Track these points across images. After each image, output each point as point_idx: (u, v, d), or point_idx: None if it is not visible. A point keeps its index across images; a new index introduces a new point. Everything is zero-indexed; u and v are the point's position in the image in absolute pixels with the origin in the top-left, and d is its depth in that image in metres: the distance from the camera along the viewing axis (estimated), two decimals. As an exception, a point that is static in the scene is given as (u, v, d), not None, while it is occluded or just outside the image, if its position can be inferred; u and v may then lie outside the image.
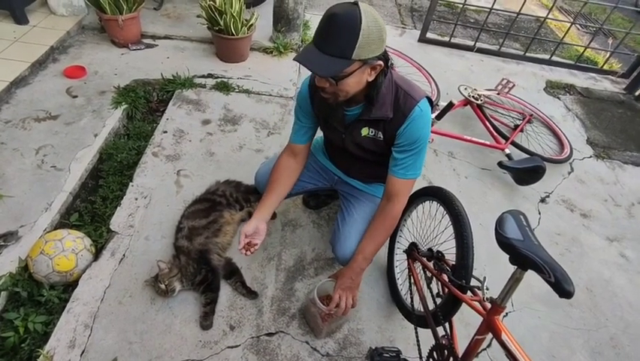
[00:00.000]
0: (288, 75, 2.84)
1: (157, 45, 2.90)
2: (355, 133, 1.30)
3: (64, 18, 2.89)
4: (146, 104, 2.48)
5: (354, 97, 1.16)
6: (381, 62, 1.08)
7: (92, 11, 2.84)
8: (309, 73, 1.22)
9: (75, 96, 2.32)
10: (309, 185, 1.66)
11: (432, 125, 2.27)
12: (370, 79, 1.11)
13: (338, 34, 0.98)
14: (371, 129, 1.26)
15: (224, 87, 2.60)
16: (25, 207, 1.69)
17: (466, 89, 2.68)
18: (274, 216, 1.87)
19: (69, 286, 1.52)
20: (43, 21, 2.83)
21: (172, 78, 2.57)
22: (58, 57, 2.62)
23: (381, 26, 1.01)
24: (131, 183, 1.90)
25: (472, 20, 4.52)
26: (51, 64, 2.55)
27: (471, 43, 3.72)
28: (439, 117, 2.24)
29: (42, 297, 1.44)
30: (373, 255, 1.35)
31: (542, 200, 2.32)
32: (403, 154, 1.23)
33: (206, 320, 1.44)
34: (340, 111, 1.26)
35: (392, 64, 1.17)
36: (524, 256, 0.91)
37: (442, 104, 2.48)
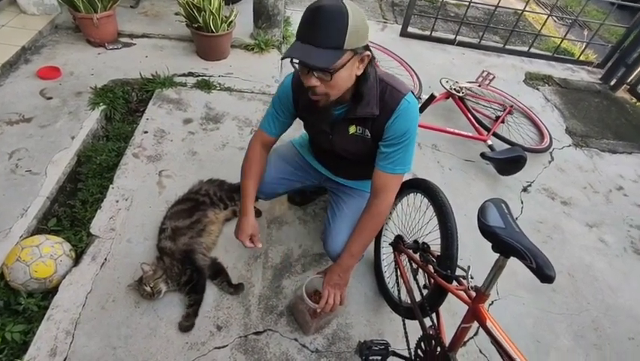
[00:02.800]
0: (270, 72, 2.81)
1: (135, 44, 2.83)
2: (343, 132, 1.28)
3: (36, 17, 2.79)
4: (125, 104, 2.42)
5: (341, 96, 1.14)
6: (368, 53, 1.07)
7: (65, 10, 2.75)
8: (292, 70, 1.19)
9: (50, 98, 2.25)
10: (297, 183, 1.64)
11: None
12: (359, 73, 1.10)
13: (328, 25, 0.96)
14: (359, 127, 1.25)
15: (205, 85, 2.56)
16: (-1, 214, 1.63)
17: (447, 81, 2.71)
18: (259, 213, 1.86)
19: (48, 293, 1.47)
20: (12, 20, 2.72)
21: (151, 77, 2.51)
22: (31, 58, 2.53)
23: (362, 14, 1.02)
24: (111, 186, 1.86)
25: (452, 14, 4.56)
26: (23, 65, 2.46)
27: (452, 36, 3.76)
28: (421, 110, 2.26)
29: (20, 305, 1.39)
30: (361, 253, 1.33)
31: (524, 189, 2.36)
32: (391, 148, 1.21)
33: (187, 321, 1.42)
34: (329, 114, 1.23)
35: (375, 58, 1.16)
36: (506, 244, 0.92)
37: (424, 97, 2.49)
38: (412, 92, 1.21)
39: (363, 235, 1.31)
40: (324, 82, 1.05)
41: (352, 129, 1.26)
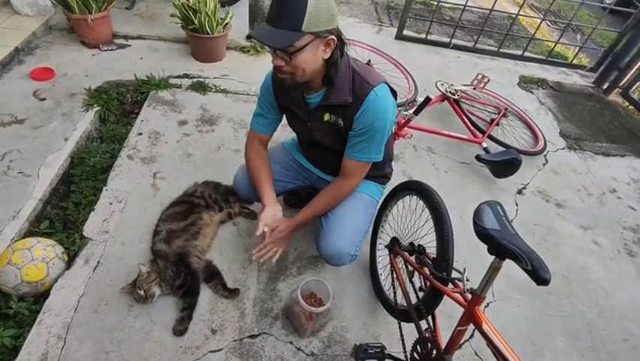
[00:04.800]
0: (265, 74, 2.79)
1: (130, 45, 2.82)
2: (319, 119, 1.31)
3: (30, 18, 2.77)
4: (119, 106, 2.40)
5: (312, 81, 1.18)
6: (334, 37, 1.10)
7: (60, 11, 2.73)
8: None
9: (43, 99, 2.23)
10: (289, 185, 1.65)
11: (411, 120, 2.29)
12: (326, 56, 1.13)
13: (287, 7, 1.01)
14: (332, 115, 1.28)
15: (200, 87, 2.55)
16: (-9, 216, 1.61)
17: (443, 84, 2.72)
18: (254, 216, 1.85)
19: (40, 296, 1.45)
20: (5, 21, 2.70)
21: (146, 79, 2.50)
22: (24, 59, 2.50)
23: (330, 3, 1.04)
24: (105, 188, 1.84)
25: (447, 17, 4.59)
26: (16, 66, 2.44)
27: (447, 40, 3.78)
28: (416, 113, 2.26)
29: (10, 309, 1.36)
30: (310, 220, 1.44)
31: (519, 191, 2.37)
32: (357, 138, 1.26)
33: (180, 325, 1.40)
34: (299, 93, 1.27)
35: (345, 44, 1.18)
36: (502, 246, 0.92)
37: (420, 99, 2.50)
38: (386, 84, 1.23)
39: (320, 205, 1.41)
40: (287, 62, 1.09)
41: (327, 117, 1.30)
